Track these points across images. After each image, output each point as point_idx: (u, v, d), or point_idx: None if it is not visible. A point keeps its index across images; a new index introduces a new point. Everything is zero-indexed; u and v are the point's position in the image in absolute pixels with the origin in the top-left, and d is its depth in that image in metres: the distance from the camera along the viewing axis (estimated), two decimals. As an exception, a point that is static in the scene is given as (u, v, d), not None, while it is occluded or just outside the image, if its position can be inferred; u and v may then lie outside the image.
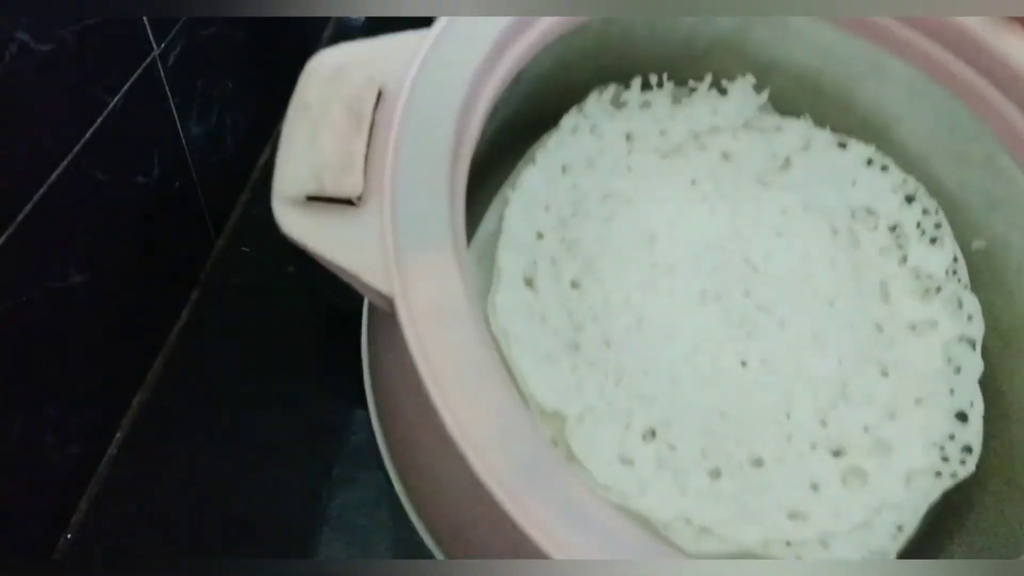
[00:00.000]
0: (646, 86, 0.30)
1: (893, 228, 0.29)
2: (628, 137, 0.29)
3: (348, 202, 0.20)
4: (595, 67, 0.29)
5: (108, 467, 0.52)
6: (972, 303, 0.28)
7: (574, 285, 0.26)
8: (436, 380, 0.18)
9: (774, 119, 0.31)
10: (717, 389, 0.25)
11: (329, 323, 0.61)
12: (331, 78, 0.21)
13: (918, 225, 0.28)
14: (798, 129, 0.30)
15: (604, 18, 0.26)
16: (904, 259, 0.28)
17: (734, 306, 0.26)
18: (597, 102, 0.29)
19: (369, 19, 0.90)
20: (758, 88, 0.30)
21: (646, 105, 0.30)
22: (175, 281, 0.61)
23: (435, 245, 0.19)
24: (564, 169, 0.28)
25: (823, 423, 0.26)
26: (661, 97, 0.30)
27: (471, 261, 0.25)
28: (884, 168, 0.29)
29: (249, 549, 0.48)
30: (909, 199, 0.29)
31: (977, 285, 0.28)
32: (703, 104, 0.30)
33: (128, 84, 0.52)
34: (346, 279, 0.20)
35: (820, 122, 0.31)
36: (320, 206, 0.20)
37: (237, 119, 0.69)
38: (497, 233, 0.26)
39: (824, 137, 0.30)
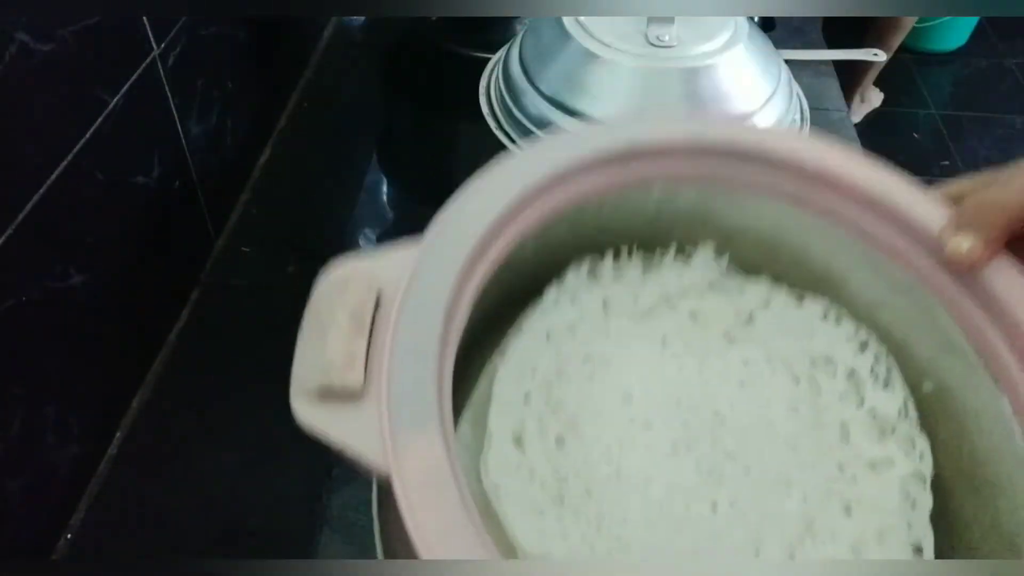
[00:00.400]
0: (618, 257, 0.34)
1: (850, 374, 0.31)
2: (605, 304, 0.33)
3: (353, 395, 0.23)
4: (572, 247, 0.33)
5: (108, 467, 0.53)
6: (923, 442, 0.30)
7: (559, 442, 0.29)
8: (424, 541, 0.21)
9: (737, 280, 0.34)
10: (690, 532, 0.27)
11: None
12: (338, 288, 0.25)
13: (872, 371, 0.31)
14: (759, 289, 0.33)
15: (576, 207, 0.30)
16: (862, 402, 0.31)
17: (703, 456, 0.29)
18: (575, 275, 0.33)
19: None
20: (719, 253, 0.34)
21: (620, 275, 0.33)
22: (175, 281, 0.61)
23: (423, 428, 0.22)
24: (548, 336, 0.31)
25: (792, 560, 0.28)
26: (633, 267, 0.33)
27: (467, 424, 0.29)
28: (838, 320, 0.32)
29: (249, 549, 0.48)
30: (863, 346, 0.32)
31: (933, 423, 0.31)
32: (671, 271, 0.33)
33: (128, 84, 0.52)
34: (352, 460, 0.23)
35: (778, 280, 0.34)
36: (330, 399, 0.23)
37: (237, 119, 0.69)
38: (489, 398, 0.29)
39: (783, 294, 0.33)
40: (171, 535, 0.49)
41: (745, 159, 0.31)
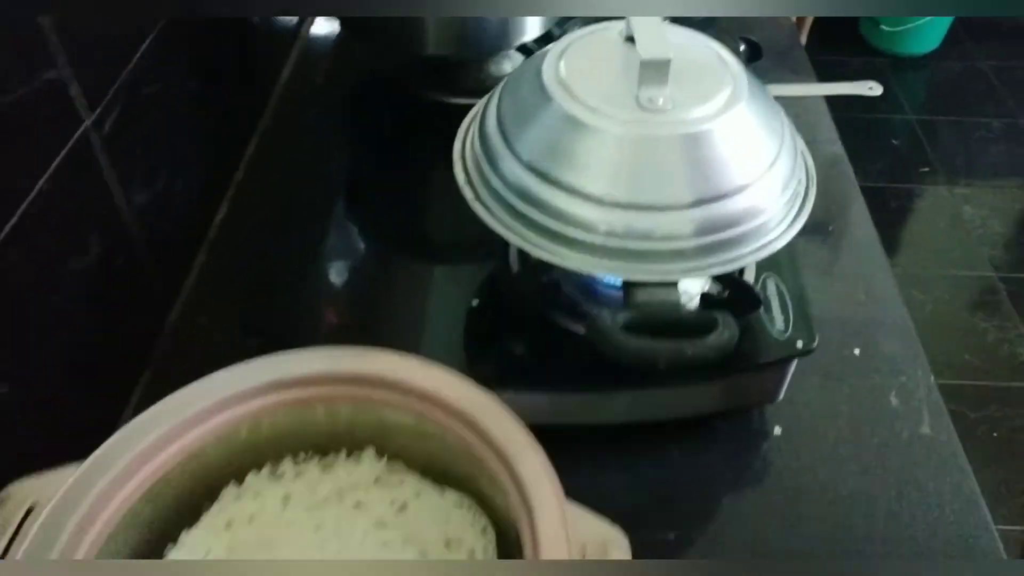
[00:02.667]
0: (297, 461, 0.41)
1: (471, 553, 0.39)
2: (286, 497, 0.40)
3: None
4: (251, 454, 0.40)
5: None
6: None
7: None
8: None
9: (399, 475, 0.41)
10: None
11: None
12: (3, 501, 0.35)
13: (484, 549, 0.39)
14: (413, 483, 0.41)
15: (251, 423, 0.39)
16: None
17: None
18: (255, 476, 0.40)
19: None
20: (381, 454, 0.42)
21: (300, 473, 0.41)
22: (122, 368, 0.56)
23: None
24: (228, 525, 0.38)
25: None
26: (311, 467, 0.41)
27: None
28: (469, 508, 0.41)
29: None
30: (484, 530, 0.40)
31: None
32: (343, 469, 0.41)
33: (56, 162, 0.46)
34: None
35: (433, 475, 0.42)
36: None
37: (189, 178, 0.63)
38: None
39: (429, 487, 0.41)
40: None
41: (377, 385, 0.40)
